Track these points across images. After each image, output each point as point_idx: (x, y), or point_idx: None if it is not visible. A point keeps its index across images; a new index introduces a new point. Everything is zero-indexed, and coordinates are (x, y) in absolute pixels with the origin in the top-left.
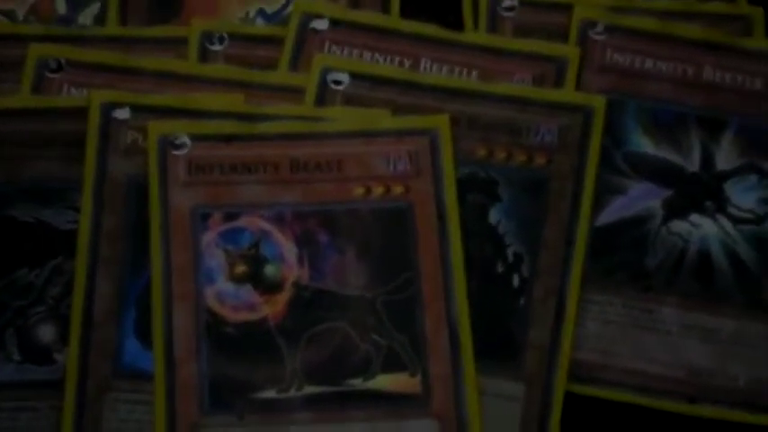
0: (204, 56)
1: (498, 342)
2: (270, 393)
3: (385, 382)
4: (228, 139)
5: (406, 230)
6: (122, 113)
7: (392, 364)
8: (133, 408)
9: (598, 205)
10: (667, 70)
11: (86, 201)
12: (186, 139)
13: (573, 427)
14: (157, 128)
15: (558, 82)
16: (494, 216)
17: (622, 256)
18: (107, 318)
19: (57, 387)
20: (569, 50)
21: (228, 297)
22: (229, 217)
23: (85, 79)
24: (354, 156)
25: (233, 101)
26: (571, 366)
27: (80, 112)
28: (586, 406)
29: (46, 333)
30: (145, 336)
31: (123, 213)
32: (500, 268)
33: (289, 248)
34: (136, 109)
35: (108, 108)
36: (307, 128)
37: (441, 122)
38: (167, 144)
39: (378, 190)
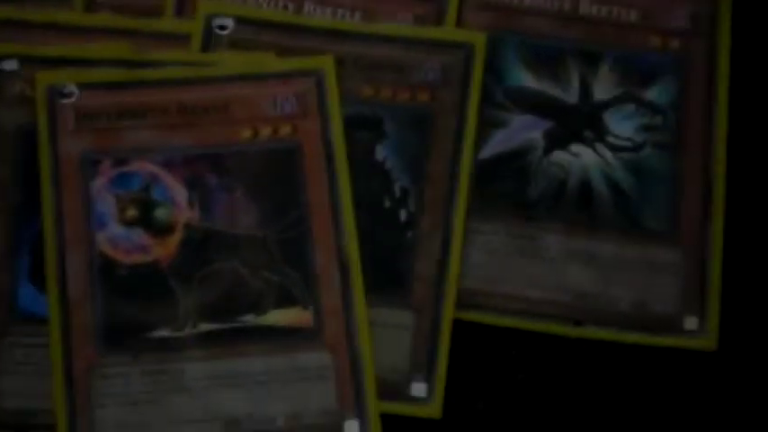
0: (90, 6)
1: (388, 274)
2: (164, 332)
3: (278, 317)
4: (116, 86)
5: (295, 170)
6: (10, 65)
7: (284, 299)
8: (30, 351)
9: (481, 139)
10: (545, 5)
11: None
12: (74, 88)
13: (462, 354)
14: (45, 78)
15: (439, 21)
16: (380, 153)
17: (505, 187)
18: (1, 265)
19: None
20: None
21: (120, 240)
22: (119, 162)
23: None
24: (241, 98)
25: (120, 49)
26: (458, 294)
27: None
28: (475, 332)
29: None
30: (40, 281)
31: (13, 163)
32: (387, 203)
33: (179, 191)
34: (23, 60)
35: None
36: (194, 72)
37: (326, 63)
38: (55, 93)
39: (265, 131)
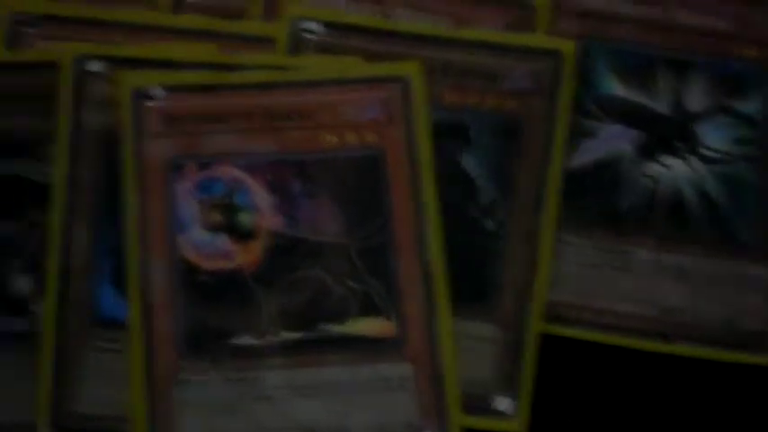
0: (177, 7)
1: (473, 285)
2: (246, 340)
3: (360, 326)
4: (202, 89)
5: (380, 177)
6: (96, 66)
7: (367, 308)
8: (112, 357)
9: (570, 148)
10: (636, 13)
11: (61, 153)
12: (159, 90)
13: (548, 368)
14: (129, 79)
15: (530, 27)
16: (467, 161)
17: (595, 199)
18: (83, 268)
19: (36, 338)
20: None
21: (203, 246)
22: (203, 167)
23: (59, 33)
24: (326, 104)
25: (206, 51)
26: (546, 308)
27: (53, 66)
28: (562, 347)
29: (24, 285)
30: (122, 285)
31: (98, 165)
32: (474, 212)
33: (263, 197)
34: (109, 61)
35: (81, 61)
36: (279, 77)
37: (412, 69)
38: (140, 95)
39: (350, 137)
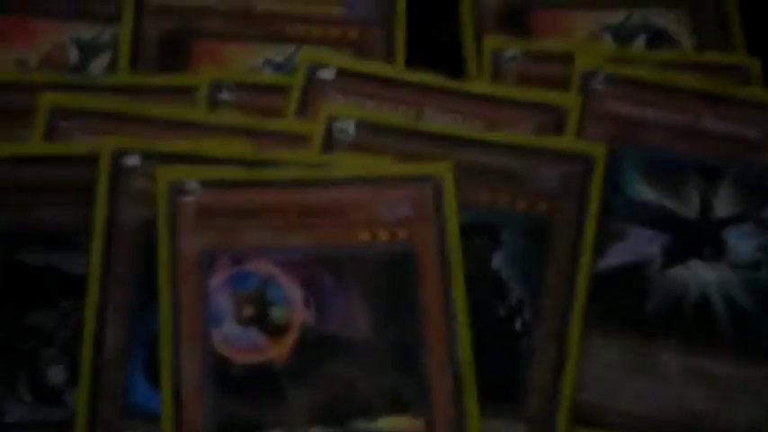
0: (213, 104)
1: (501, 384)
2: None
3: (389, 423)
4: (237, 185)
5: (410, 275)
6: (132, 160)
7: (396, 406)
8: None
9: (598, 251)
10: (666, 119)
11: (96, 245)
12: (195, 185)
13: None
14: (167, 173)
15: (560, 130)
16: (496, 261)
17: (622, 301)
18: (116, 359)
19: (67, 427)
20: (570, 99)
21: (235, 339)
22: (236, 261)
23: (96, 127)
24: (359, 201)
25: (242, 147)
26: (573, 408)
27: (90, 159)
28: None
29: (57, 375)
30: (154, 377)
31: (132, 257)
32: (503, 312)
33: (295, 292)
34: (146, 156)
35: (118, 155)
36: (313, 174)
37: (444, 169)
38: (176, 190)
39: (382, 235)
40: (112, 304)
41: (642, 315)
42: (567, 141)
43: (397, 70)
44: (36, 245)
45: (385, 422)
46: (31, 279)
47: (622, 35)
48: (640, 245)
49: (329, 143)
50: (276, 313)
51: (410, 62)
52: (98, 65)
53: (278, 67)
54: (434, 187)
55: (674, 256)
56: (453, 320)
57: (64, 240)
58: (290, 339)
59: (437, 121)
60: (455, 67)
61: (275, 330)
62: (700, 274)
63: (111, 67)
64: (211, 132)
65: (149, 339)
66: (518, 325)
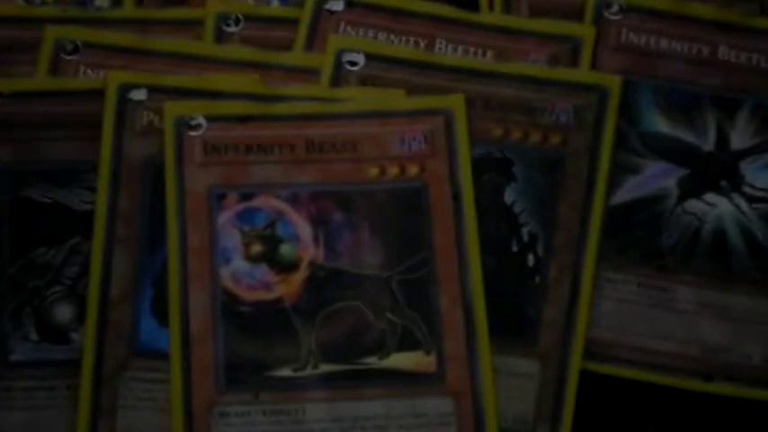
0: (220, 37)
1: (513, 320)
2: (285, 371)
3: (400, 360)
4: (244, 119)
5: (421, 210)
6: (139, 94)
7: (407, 342)
8: (149, 386)
9: (613, 184)
10: (682, 50)
11: (103, 181)
12: (202, 120)
13: (588, 405)
14: (173, 109)
15: (573, 62)
16: (509, 195)
17: (637, 236)
18: (123, 297)
19: (74, 366)
20: (584, 30)
21: (244, 277)
22: (245, 197)
23: (102, 61)
24: (369, 136)
25: (249, 81)
26: (586, 344)
27: (96, 94)
28: (601, 383)
29: (63, 313)
30: (162, 315)
31: (139, 194)
32: (515, 247)
33: (304, 228)
34: (152, 90)
35: (124, 89)
36: (322, 108)
37: (456, 102)
38: (183, 125)
39: (393, 170)
40: (119, 241)
41: (657, 249)
42: (581, 73)
43: (408, 1)
44: (42, 181)
45: (396, 359)
46: (37, 215)
47: None
48: (656, 178)
49: (338, 76)
50: (285, 250)
51: None
52: None
53: None
54: (446, 121)
55: (691, 189)
56: (464, 256)
57: (71, 176)
58: (299, 276)
59: (448, 53)
60: None
61: (284, 267)
62: (716, 208)
63: (117, 0)
64: (218, 66)
65: (157, 277)
66: (531, 260)
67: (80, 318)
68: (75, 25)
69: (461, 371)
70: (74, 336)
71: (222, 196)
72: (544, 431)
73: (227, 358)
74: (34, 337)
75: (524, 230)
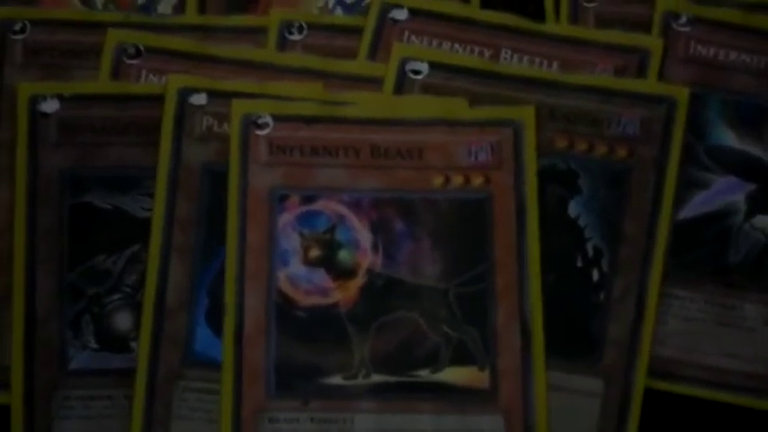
0: (283, 45)
1: (577, 337)
2: (337, 380)
3: (453, 374)
4: (311, 120)
5: (484, 222)
6: (199, 99)
7: (461, 357)
8: (203, 396)
9: (680, 199)
10: (751, 63)
11: (160, 187)
12: (269, 119)
13: (652, 424)
14: (241, 107)
15: (641, 73)
16: (573, 209)
17: (704, 252)
18: (179, 306)
19: (132, 375)
20: (652, 42)
21: (301, 280)
22: (307, 200)
23: (164, 66)
24: (436, 144)
25: (312, 89)
26: (651, 362)
27: (157, 99)
28: (666, 402)
29: (122, 321)
30: (216, 325)
31: (197, 200)
32: (579, 263)
33: (364, 234)
34: (212, 94)
35: (185, 93)
36: (389, 113)
37: (526, 114)
38: (250, 123)
39: (457, 180)
40: (176, 249)
41: (725, 266)
42: (648, 84)
43: (473, 10)
44: (103, 187)
45: (449, 373)
46: (98, 222)
47: None
48: (723, 193)
49: (401, 86)
50: (344, 256)
51: (486, 2)
52: (166, 5)
53: (349, 8)
54: (514, 132)
55: (759, 204)
56: (525, 271)
57: (132, 182)
58: (356, 283)
59: (513, 63)
60: (532, 8)
61: (342, 273)
62: None
63: (179, 7)
64: (280, 74)
65: (212, 286)
66: (595, 276)
67: (140, 326)
68: (137, 30)
69: (515, 388)
70: (133, 344)
71: (284, 197)
72: None
73: (278, 362)
74: (93, 345)
75: (589, 245)
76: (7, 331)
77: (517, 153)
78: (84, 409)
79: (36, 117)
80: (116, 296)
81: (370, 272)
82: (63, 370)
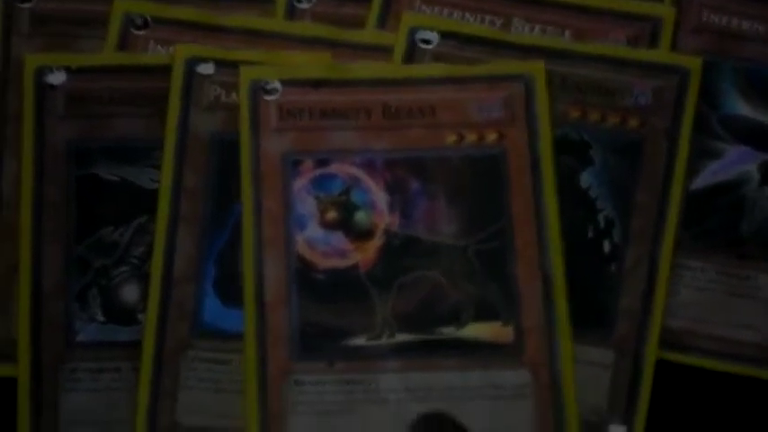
0: (291, 13)
1: (588, 309)
2: (360, 340)
3: (476, 330)
4: (319, 83)
5: (499, 178)
6: (206, 68)
7: (484, 312)
8: (212, 366)
9: (692, 169)
10: (764, 31)
11: (168, 158)
12: (278, 84)
13: (664, 396)
14: (249, 73)
15: (653, 42)
16: (585, 180)
17: (717, 222)
18: (187, 276)
19: (140, 347)
20: (665, 10)
21: (319, 243)
22: (320, 163)
23: (171, 36)
24: (447, 102)
25: (321, 59)
26: (662, 334)
27: (165, 70)
28: (678, 374)
29: (130, 293)
30: (225, 294)
31: (204, 171)
32: (591, 233)
33: (379, 195)
34: (220, 64)
35: (192, 63)
36: (399, 73)
37: (536, 69)
38: (259, 89)
39: (470, 137)
40: (183, 219)
41: (738, 236)
42: (660, 54)
43: None
44: (110, 158)
45: (473, 329)
46: (104, 194)
47: None
48: (737, 163)
49: (411, 55)
50: (361, 217)
51: None
52: None
53: None
54: (526, 86)
55: None
56: (543, 225)
57: (139, 154)
58: (374, 244)
59: (524, 32)
60: None
61: (359, 235)
62: None
63: None
64: (289, 43)
65: (219, 256)
66: (607, 247)
67: (147, 297)
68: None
69: (540, 342)
70: (140, 316)
71: (297, 162)
72: (618, 421)
73: (301, 326)
74: (100, 317)
75: (600, 216)
76: (14, 304)
77: (529, 109)
78: (91, 381)
79: (43, 89)
80: (123, 268)
81: (387, 232)
82: (70, 343)
